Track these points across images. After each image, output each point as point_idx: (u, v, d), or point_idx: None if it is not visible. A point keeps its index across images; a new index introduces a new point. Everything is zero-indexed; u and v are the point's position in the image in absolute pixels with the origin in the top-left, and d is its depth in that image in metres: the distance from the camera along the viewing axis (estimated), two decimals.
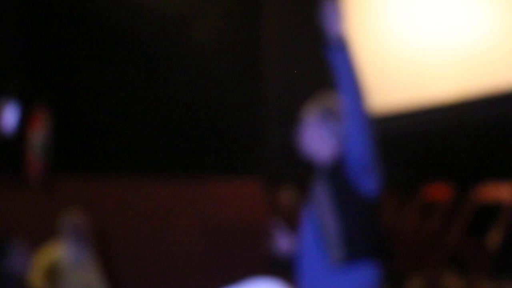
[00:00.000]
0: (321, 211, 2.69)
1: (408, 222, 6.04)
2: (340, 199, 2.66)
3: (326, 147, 2.77)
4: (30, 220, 5.22)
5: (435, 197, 5.85)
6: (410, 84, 5.25)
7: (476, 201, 5.40)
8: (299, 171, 3.11)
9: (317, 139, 2.78)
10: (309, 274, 2.75)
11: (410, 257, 5.89)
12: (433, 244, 5.50)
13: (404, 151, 5.90)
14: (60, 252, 4.41)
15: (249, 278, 1.31)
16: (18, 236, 3.85)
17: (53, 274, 4.33)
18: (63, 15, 6.72)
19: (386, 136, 5.46)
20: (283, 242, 2.91)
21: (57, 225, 4.49)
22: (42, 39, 6.64)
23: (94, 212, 6.02)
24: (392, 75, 5.53)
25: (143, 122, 6.85)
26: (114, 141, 6.74)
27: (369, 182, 2.66)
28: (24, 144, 6.26)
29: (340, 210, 2.65)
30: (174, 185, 6.49)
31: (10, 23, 6.56)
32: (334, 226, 2.65)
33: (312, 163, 2.83)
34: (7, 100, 6.34)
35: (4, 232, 4.09)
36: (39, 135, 6.28)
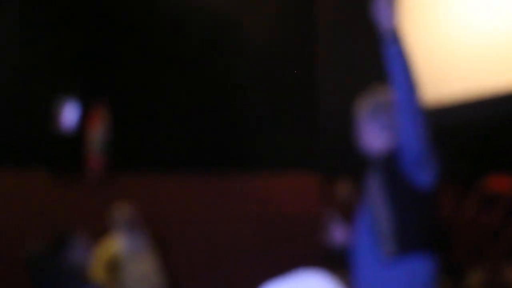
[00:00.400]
0: (374, 204, 2.67)
1: (468, 214, 5.92)
2: (393, 192, 2.63)
3: (378, 141, 2.75)
4: (90, 214, 5.35)
5: (496, 189, 5.71)
6: (471, 74, 5.14)
7: None
8: (355, 164, 3.09)
9: (370, 133, 2.76)
10: (363, 267, 2.73)
11: (470, 249, 5.77)
12: (494, 236, 5.37)
13: (464, 142, 5.78)
14: (118, 245, 4.50)
15: (297, 269, 1.32)
16: (78, 230, 3.95)
17: (113, 266, 4.43)
18: (122, 17, 6.85)
19: (446, 127, 5.37)
20: (338, 235, 2.90)
21: (110, 219, 4.58)
22: (101, 40, 6.78)
23: (152, 205, 6.12)
24: (453, 66, 5.42)
25: (199, 119, 6.93)
26: (172, 137, 6.84)
27: (423, 175, 2.63)
28: (84, 141, 6.41)
29: (393, 203, 2.62)
30: (231, 179, 6.55)
31: (70, 24, 6.72)
32: (386, 219, 2.62)
33: (366, 156, 2.81)
34: (68, 99, 6.49)
35: (65, 226, 4.20)
36: (98, 132, 6.41)
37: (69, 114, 6.45)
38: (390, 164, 2.67)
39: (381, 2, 2.56)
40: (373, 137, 2.76)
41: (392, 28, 2.56)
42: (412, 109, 2.59)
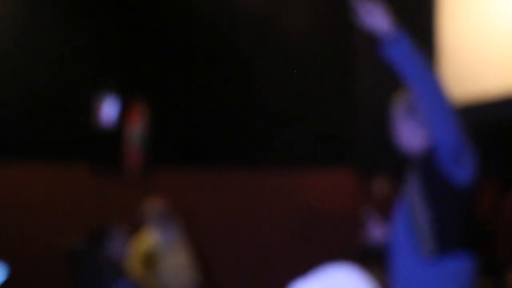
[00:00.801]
0: (413, 203, 2.62)
1: (508, 211, 5.80)
2: (432, 190, 2.58)
3: (415, 138, 2.70)
4: (128, 209, 5.40)
5: None
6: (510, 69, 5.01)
7: None
8: (392, 161, 3.05)
9: (406, 130, 2.72)
10: (400, 265, 2.70)
11: (510, 247, 5.66)
12: None
13: (505, 137, 5.67)
14: (152, 239, 4.54)
15: (327, 264, 1.32)
16: (117, 224, 4.00)
17: (148, 260, 4.47)
18: (160, 12, 6.88)
19: (486, 121, 5.26)
20: (375, 232, 2.87)
21: (143, 213, 4.61)
22: (139, 35, 6.82)
23: (190, 200, 6.15)
24: (495, 59, 5.29)
25: (237, 115, 6.92)
26: (210, 133, 6.85)
27: (461, 172, 2.57)
28: (123, 136, 6.46)
29: (432, 202, 2.57)
30: (268, 176, 6.54)
31: (109, 19, 6.77)
32: (426, 218, 2.58)
33: (404, 154, 2.77)
34: (107, 94, 6.55)
35: (104, 221, 4.26)
36: (137, 128, 6.46)
37: (109, 109, 6.51)
38: (428, 162, 2.62)
39: (366, 10, 2.47)
40: (410, 134, 2.71)
41: (387, 30, 2.48)
42: (437, 105, 2.52)
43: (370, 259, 5.21)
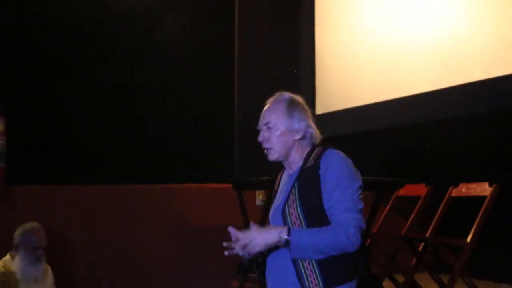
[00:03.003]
0: (294, 223, 2.45)
1: (382, 225, 5.94)
2: (317, 214, 2.42)
3: (291, 143, 2.57)
4: None
5: (410, 195, 5.76)
6: (387, 82, 5.11)
7: (452, 200, 5.33)
8: (270, 177, 2.95)
9: (282, 134, 2.57)
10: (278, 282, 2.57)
11: (384, 260, 5.78)
12: (407, 246, 5.40)
13: (381, 151, 5.79)
14: (13, 265, 4.19)
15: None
16: None
17: None
18: (24, 17, 6.50)
19: (357, 134, 5.32)
20: (245, 247, 2.71)
21: (11, 238, 4.26)
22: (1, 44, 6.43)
23: (57, 221, 5.81)
24: (359, 70, 5.39)
25: (111, 129, 6.67)
26: (76, 148, 6.55)
27: None
28: None
29: (313, 224, 2.41)
30: (146, 194, 6.32)
31: None
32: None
33: (276, 161, 2.62)
34: None
35: None
36: None
37: None
38: (312, 177, 2.46)
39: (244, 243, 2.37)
40: (286, 139, 2.57)
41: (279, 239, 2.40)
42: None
43: (247, 274, 5.14)
